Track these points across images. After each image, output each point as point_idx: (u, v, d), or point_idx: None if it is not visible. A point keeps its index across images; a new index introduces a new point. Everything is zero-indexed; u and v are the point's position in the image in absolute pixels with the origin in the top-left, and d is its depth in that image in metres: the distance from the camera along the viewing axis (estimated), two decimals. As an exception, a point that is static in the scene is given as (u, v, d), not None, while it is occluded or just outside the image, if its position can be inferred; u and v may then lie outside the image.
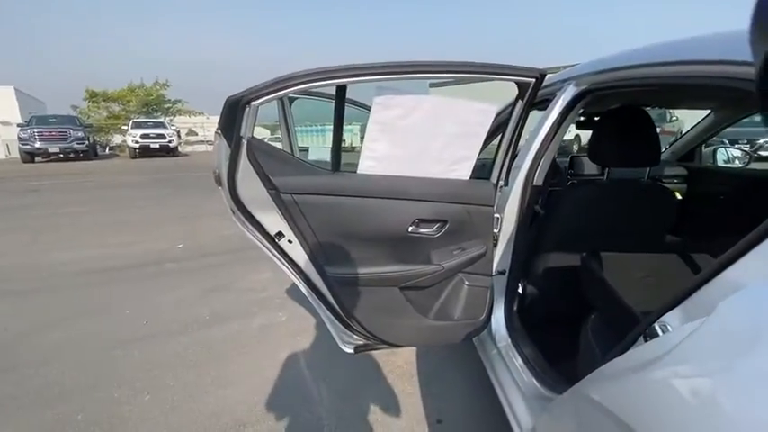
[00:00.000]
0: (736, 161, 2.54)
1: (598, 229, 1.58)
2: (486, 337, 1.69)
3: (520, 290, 1.74)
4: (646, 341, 0.70)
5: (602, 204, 1.53)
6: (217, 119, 1.19)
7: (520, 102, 1.26)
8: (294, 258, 1.34)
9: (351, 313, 1.42)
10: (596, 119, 1.62)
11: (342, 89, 1.16)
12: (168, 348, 2.30)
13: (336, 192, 1.22)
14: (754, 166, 2.83)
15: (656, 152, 1.44)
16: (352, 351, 1.63)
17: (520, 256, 1.53)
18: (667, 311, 0.66)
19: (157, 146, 15.53)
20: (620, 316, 1.24)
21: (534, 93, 1.22)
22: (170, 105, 23.31)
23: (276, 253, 1.34)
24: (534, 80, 1.18)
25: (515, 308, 1.68)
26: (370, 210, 1.25)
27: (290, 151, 1.83)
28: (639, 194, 1.55)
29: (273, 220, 1.26)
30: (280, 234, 1.29)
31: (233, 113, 1.09)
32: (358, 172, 1.26)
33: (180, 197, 7.29)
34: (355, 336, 1.60)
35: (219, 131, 1.16)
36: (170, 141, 15.79)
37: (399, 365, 2.15)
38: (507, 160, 1.41)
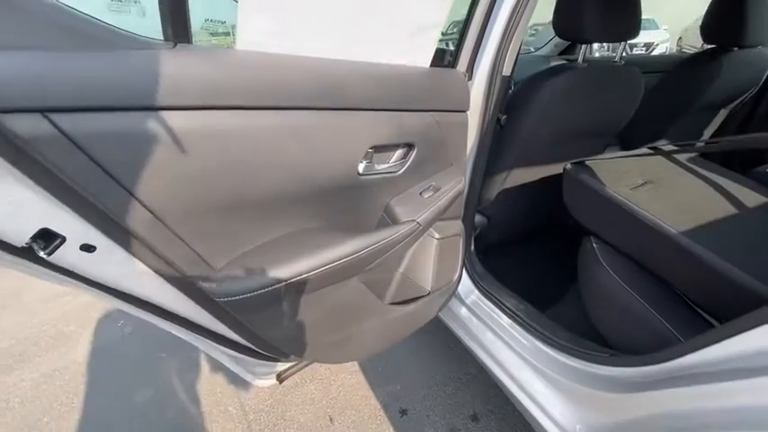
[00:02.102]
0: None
1: (577, 125, 1.26)
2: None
3: (477, 221, 1.35)
4: None
5: (583, 93, 1.19)
6: None
7: None
8: (105, 280, 0.58)
9: (275, 342, 0.78)
10: None
11: None
12: None
13: (192, 101, 0.49)
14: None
15: (637, 23, 1.14)
16: (274, 382, 1.02)
17: (478, 176, 1.09)
18: None
19: None
20: (653, 247, 0.96)
21: None
22: None
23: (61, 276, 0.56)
24: None
25: (473, 248, 1.29)
26: (281, 138, 0.58)
27: None
28: (616, 79, 1.27)
29: (17, 208, 0.46)
30: (48, 236, 0.50)
31: None
32: (237, 47, 0.55)
33: None
34: (278, 363, 0.98)
35: None
36: None
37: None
38: (477, 41, 0.89)
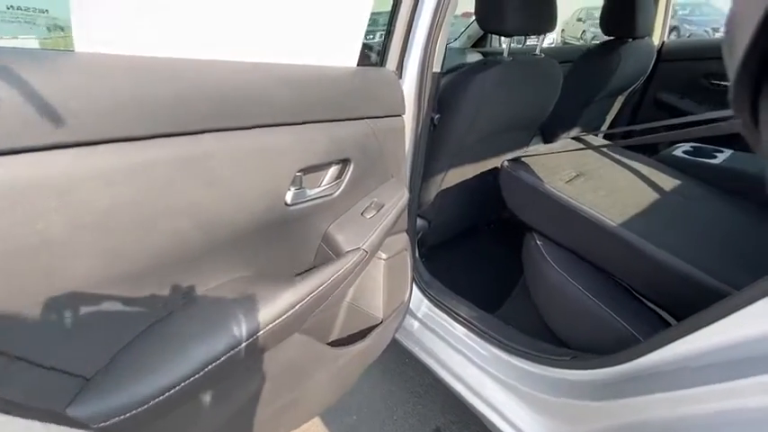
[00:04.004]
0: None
1: (508, 119, 1.23)
2: None
3: (418, 226, 1.28)
4: None
5: (512, 87, 1.16)
6: None
7: None
8: None
9: None
10: None
11: None
12: None
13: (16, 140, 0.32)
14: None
15: (554, 15, 1.13)
16: None
17: (416, 181, 1.02)
18: None
19: None
20: (594, 240, 0.97)
21: None
22: None
23: None
24: None
25: (417, 253, 1.21)
26: (170, 176, 0.42)
27: None
28: (539, 72, 1.26)
29: None
30: None
31: None
32: (78, 48, 0.37)
33: None
34: None
35: None
36: None
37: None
38: (406, 35, 0.80)
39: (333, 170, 0.70)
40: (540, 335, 1.02)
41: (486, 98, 1.11)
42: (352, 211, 0.77)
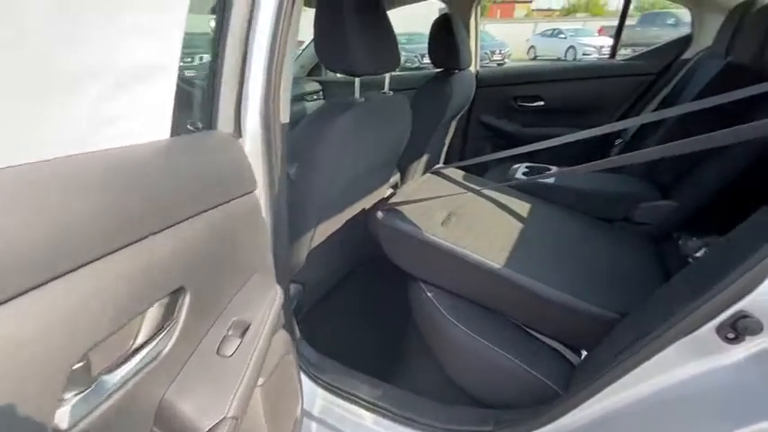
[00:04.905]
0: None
1: (369, 161, 1.12)
2: None
3: (292, 293, 1.07)
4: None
5: (370, 129, 1.04)
6: None
7: None
8: None
9: None
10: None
11: None
12: None
13: None
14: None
15: (398, 53, 1.07)
16: None
17: (281, 248, 0.82)
18: None
19: None
20: (483, 285, 0.93)
21: None
22: None
23: None
24: None
25: (298, 332, 1.00)
26: None
27: None
28: (391, 110, 1.18)
29: None
30: None
31: None
32: None
33: None
34: None
35: None
36: None
37: None
38: (239, 85, 0.60)
39: (155, 312, 0.43)
40: (450, 392, 0.94)
41: (347, 144, 0.98)
42: (202, 354, 0.50)
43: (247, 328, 0.55)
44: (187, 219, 0.46)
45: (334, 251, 1.26)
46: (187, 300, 0.45)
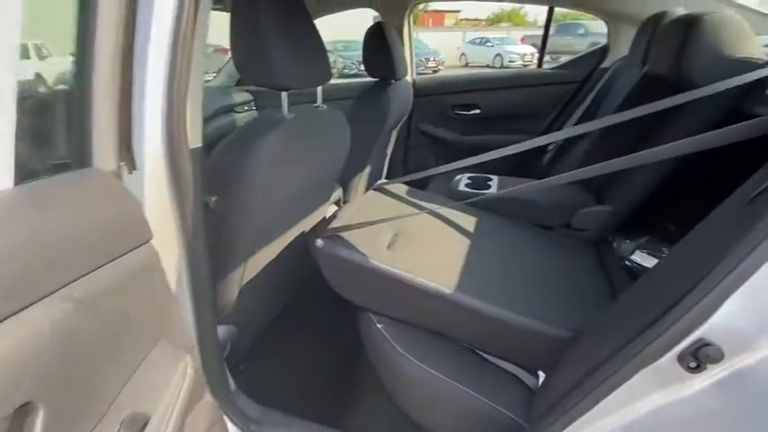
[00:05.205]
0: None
1: (303, 181, 1.01)
2: None
3: (223, 336, 0.94)
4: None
5: (301, 147, 0.93)
6: None
7: None
8: None
9: None
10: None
11: None
12: None
13: None
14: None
15: (329, 66, 0.97)
16: None
17: (205, 290, 0.70)
18: None
19: None
20: (433, 311, 0.87)
21: None
22: None
23: None
24: None
25: (234, 386, 0.88)
26: None
27: None
28: (326, 125, 1.07)
29: None
30: None
31: None
32: None
33: None
34: None
35: None
36: None
37: None
38: (125, 110, 0.48)
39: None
40: None
41: (277, 164, 0.86)
42: None
43: (146, 424, 0.43)
44: (41, 299, 0.33)
45: (271, 283, 1.13)
46: (39, 419, 0.32)
